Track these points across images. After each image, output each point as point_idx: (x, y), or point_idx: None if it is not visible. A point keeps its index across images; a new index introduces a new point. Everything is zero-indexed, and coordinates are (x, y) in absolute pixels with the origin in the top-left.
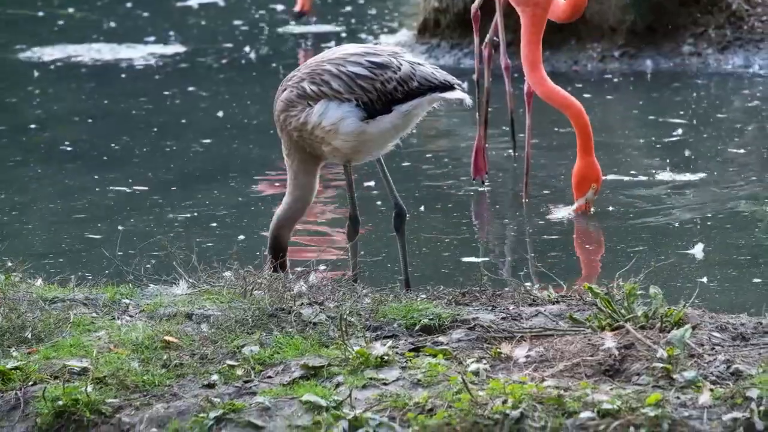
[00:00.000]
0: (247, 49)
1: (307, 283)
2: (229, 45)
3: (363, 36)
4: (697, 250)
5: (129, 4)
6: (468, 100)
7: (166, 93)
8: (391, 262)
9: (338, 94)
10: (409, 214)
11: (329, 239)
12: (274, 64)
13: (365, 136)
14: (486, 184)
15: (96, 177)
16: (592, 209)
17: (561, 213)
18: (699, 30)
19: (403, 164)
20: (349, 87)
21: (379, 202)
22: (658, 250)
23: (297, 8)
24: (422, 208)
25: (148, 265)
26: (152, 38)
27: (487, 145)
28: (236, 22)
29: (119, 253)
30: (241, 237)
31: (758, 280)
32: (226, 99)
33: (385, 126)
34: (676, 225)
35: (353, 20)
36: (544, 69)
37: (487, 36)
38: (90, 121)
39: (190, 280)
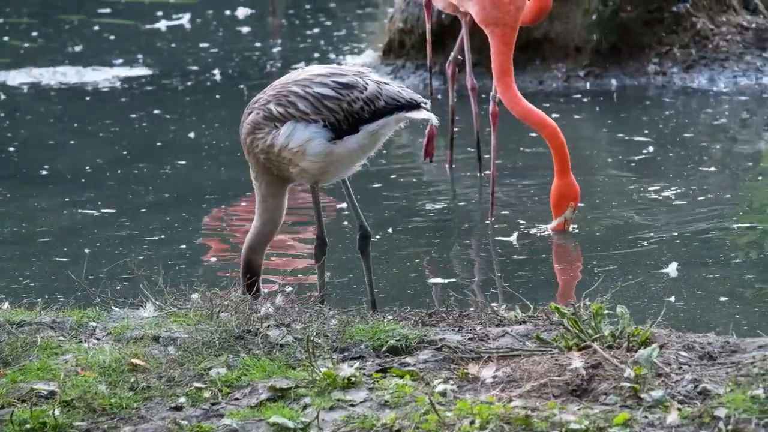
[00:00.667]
0: (213, 71)
1: (274, 304)
2: (196, 67)
3: (330, 57)
4: (671, 269)
5: (96, 27)
6: (434, 119)
7: (133, 116)
8: (358, 283)
9: (305, 115)
10: (378, 235)
11: (297, 260)
12: (240, 86)
13: (333, 156)
14: (452, 204)
15: (65, 200)
16: (571, 227)
17: (535, 230)
18: (664, 49)
19: (372, 185)
20: (315, 108)
21: (345, 222)
22: (627, 269)
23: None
24: (390, 230)
25: (116, 288)
26: (118, 61)
27: (454, 166)
28: (202, 45)
29: (90, 277)
30: (212, 259)
31: (725, 299)
32: (193, 121)
33: (353, 146)
34: (645, 244)
35: (321, 42)
36: None
37: (452, 54)
38: (58, 143)
39: (157, 303)
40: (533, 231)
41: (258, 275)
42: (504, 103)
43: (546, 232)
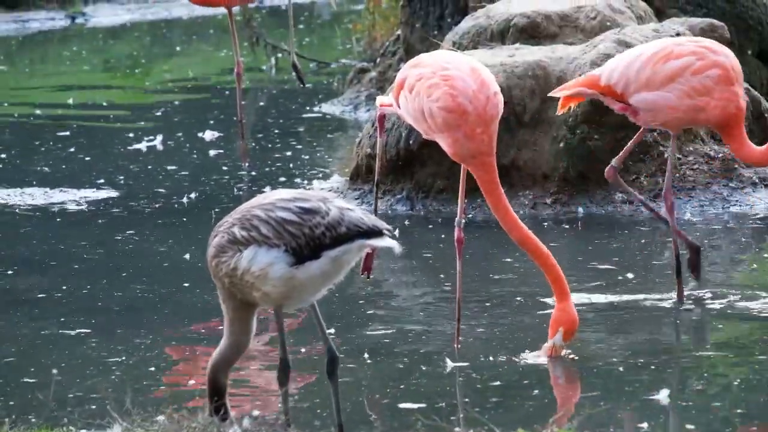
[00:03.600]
0: (182, 194)
1: (242, 427)
2: (164, 190)
3: (297, 181)
4: (663, 396)
5: (64, 149)
6: (397, 248)
7: (101, 238)
8: (325, 406)
9: (267, 239)
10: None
11: (263, 382)
12: (208, 209)
13: (294, 281)
14: (419, 332)
15: (31, 322)
16: (563, 353)
17: (502, 356)
18: (631, 177)
19: (336, 311)
20: (277, 232)
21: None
22: (595, 395)
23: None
24: (366, 356)
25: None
26: (86, 183)
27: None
28: (171, 167)
29: (58, 398)
30: (180, 381)
31: (692, 426)
32: (161, 244)
33: (315, 272)
34: (619, 369)
35: (289, 165)
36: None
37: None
38: (24, 264)
39: (124, 424)
40: (500, 357)
41: (224, 396)
42: (504, 228)
43: (516, 358)
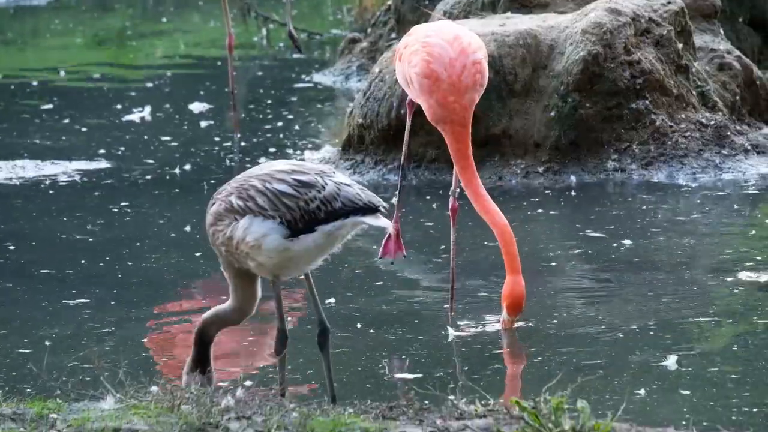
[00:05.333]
0: (173, 165)
1: (235, 397)
2: (155, 161)
3: (289, 152)
4: (671, 362)
5: (55, 121)
6: (390, 227)
7: (93, 209)
8: (319, 376)
9: (263, 210)
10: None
11: (258, 352)
12: (200, 180)
13: (289, 253)
14: (413, 297)
15: (25, 294)
16: (512, 326)
17: (496, 324)
18: (623, 146)
19: (331, 281)
20: (273, 204)
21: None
22: (590, 363)
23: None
24: (359, 325)
25: (77, 380)
26: (77, 154)
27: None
28: (163, 138)
29: (51, 369)
30: (173, 351)
31: (687, 392)
32: (153, 214)
33: (309, 245)
34: (605, 338)
35: (280, 136)
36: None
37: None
38: (17, 236)
39: (118, 395)
40: (494, 325)
41: (207, 345)
42: (469, 197)
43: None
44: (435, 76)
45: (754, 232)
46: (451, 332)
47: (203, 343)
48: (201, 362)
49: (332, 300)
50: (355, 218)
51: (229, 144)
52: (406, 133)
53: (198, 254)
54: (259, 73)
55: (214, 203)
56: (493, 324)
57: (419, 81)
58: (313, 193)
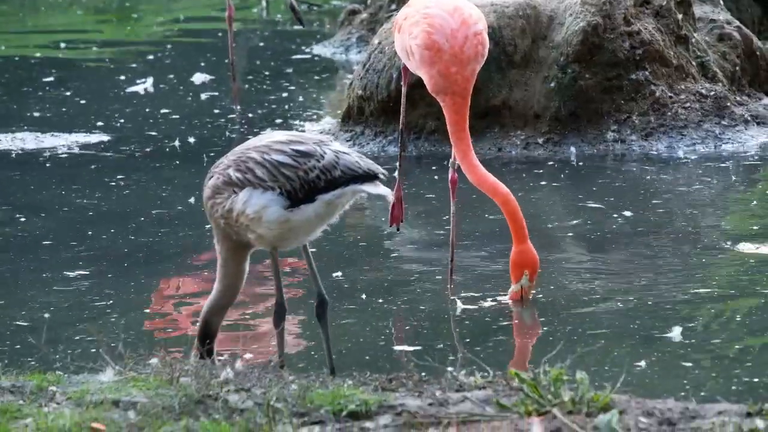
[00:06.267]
0: (173, 137)
1: (234, 369)
2: (155, 133)
3: (289, 123)
4: (675, 333)
5: (55, 93)
6: (390, 196)
7: (92, 181)
8: (319, 350)
9: (262, 182)
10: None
11: (257, 325)
12: (200, 152)
13: (289, 224)
14: (412, 269)
15: (25, 266)
16: (531, 296)
17: (496, 296)
18: (623, 117)
19: (330, 253)
20: (272, 175)
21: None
22: (591, 334)
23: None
24: (363, 296)
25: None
26: (77, 127)
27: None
28: (163, 111)
29: (50, 341)
30: (172, 324)
31: (689, 364)
32: (152, 187)
33: (309, 215)
34: (604, 310)
35: (280, 108)
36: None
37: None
38: (15, 208)
39: (117, 367)
40: (494, 297)
41: (213, 338)
42: (463, 170)
43: (506, 299)
44: (437, 47)
45: (755, 203)
46: (451, 304)
47: (210, 338)
48: (209, 355)
49: (339, 273)
50: (354, 186)
51: (230, 116)
52: (403, 100)
53: (198, 227)
54: (260, 45)
55: (211, 177)
56: (494, 296)
57: (420, 52)
58: (312, 163)
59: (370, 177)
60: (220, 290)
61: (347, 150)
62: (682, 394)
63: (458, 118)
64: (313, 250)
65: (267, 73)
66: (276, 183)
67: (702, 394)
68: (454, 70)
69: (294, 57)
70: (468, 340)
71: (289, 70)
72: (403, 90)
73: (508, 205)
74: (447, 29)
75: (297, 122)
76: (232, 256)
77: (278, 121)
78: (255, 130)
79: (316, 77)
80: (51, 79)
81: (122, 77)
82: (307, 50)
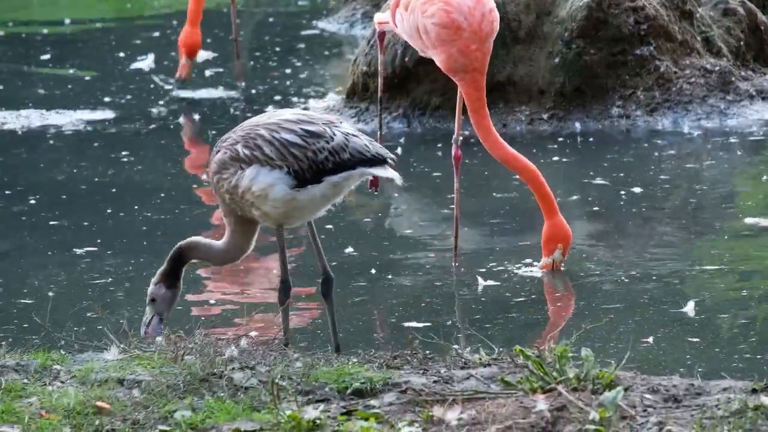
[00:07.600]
0: (177, 114)
1: (239, 347)
2: (159, 110)
3: (293, 100)
4: (689, 308)
5: (68, 71)
6: (398, 179)
7: (97, 159)
8: (324, 327)
9: (270, 160)
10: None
11: (261, 303)
12: (204, 129)
13: (295, 203)
14: (417, 248)
15: (30, 244)
16: (562, 267)
17: (501, 273)
18: (627, 92)
19: (336, 230)
20: (280, 154)
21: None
22: (597, 311)
23: (177, 74)
24: (355, 273)
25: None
26: (82, 104)
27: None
28: (166, 87)
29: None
30: (184, 302)
31: (695, 340)
32: (157, 164)
33: (315, 195)
34: (610, 286)
35: (285, 84)
36: (473, 135)
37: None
38: (20, 186)
39: (122, 346)
40: (498, 274)
41: (181, 268)
42: (485, 147)
43: (512, 274)
44: (456, 26)
45: (765, 177)
46: (454, 281)
47: (178, 262)
48: (170, 277)
49: (349, 250)
50: (362, 169)
51: (234, 93)
52: (380, 67)
53: (204, 205)
54: (263, 21)
55: (218, 151)
56: (497, 273)
57: (437, 31)
58: (322, 144)
59: (378, 161)
60: (220, 247)
61: (357, 132)
62: (686, 369)
63: (479, 94)
64: (329, 226)
65: (272, 49)
66: (284, 162)
67: (705, 370)
68: (474, 48)
69: (299, 33)
70: (473, 317)
71: (294, 47)
72: (380, 57)
73: (536, 182)
74: (464, 7)
75: (301, 99)
76: (240, 228)
77: (282, 97)
78: (258, 107)
79: (321, 53)
80: (53, 56)
81: (126, 54)
82: (312, 26)
